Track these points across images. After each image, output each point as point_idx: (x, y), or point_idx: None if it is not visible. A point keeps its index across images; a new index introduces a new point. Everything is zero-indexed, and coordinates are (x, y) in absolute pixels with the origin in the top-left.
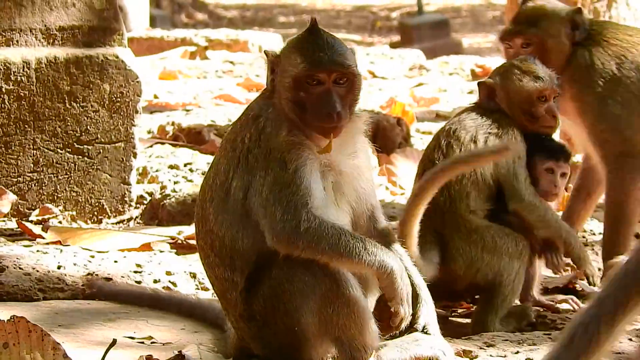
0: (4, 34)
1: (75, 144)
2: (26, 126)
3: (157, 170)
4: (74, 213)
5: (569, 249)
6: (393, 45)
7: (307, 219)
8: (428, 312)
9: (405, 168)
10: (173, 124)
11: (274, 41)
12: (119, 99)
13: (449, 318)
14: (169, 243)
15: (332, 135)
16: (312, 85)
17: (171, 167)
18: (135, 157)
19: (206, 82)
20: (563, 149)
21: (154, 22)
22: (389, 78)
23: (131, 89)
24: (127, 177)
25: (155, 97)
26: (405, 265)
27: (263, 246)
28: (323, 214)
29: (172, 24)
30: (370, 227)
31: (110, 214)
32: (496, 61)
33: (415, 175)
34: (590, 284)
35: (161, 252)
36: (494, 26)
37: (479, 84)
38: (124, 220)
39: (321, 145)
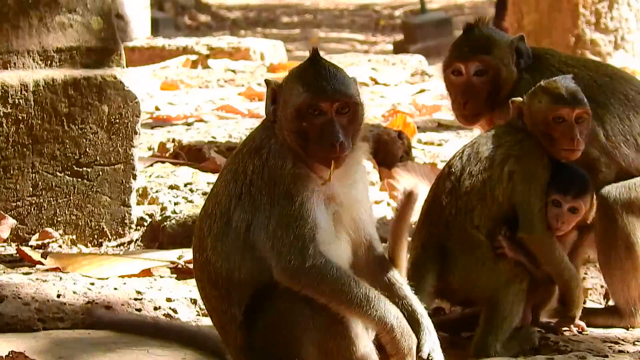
0: (0, 56)
1: (74, 166)
2: (24, 149)
3: (157, 191)
4: (74, 237)
5: (567, 292)
6: (396, 44)
7: (313, 255)
8: (432, 340)
9: (407, 183)
10: (174, 140)
11: (275, 48)
12: (117, 120)
13: (452, 342)
14: (169, 268)
15: (334, 165)
16: (314, 115)
17: (171, 187)
18: (134, 178)
19: (208, 91)
20: (578, 182)
21: (156, 25)
22: (390, 85)
23: (130, 109)
24: (126, 199)
25: (157, 109)
26: (405, 293)
27: (260, 279)
28: (329, 251)
29: (174, 27)
30: (368, 257)
31: (110, 237)
32: None
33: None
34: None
35: (161, 277)
36: None
37: (511, 101)
38: (124, 243)
39: (324, 176)
